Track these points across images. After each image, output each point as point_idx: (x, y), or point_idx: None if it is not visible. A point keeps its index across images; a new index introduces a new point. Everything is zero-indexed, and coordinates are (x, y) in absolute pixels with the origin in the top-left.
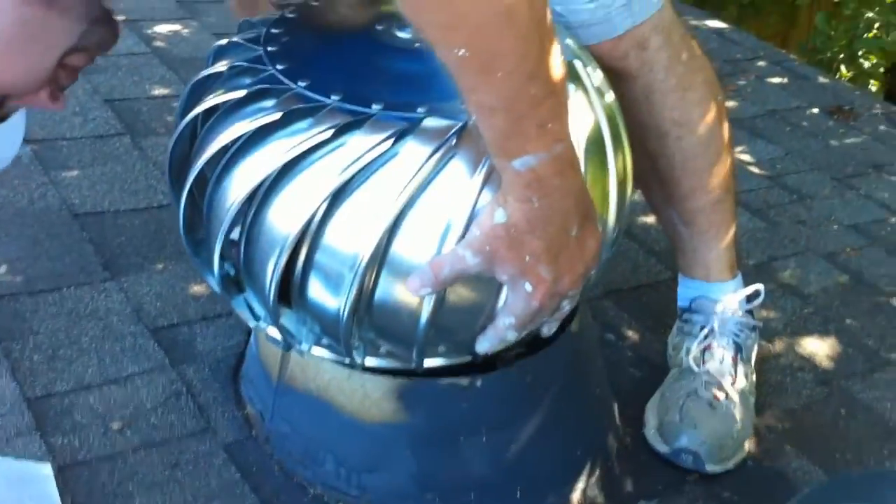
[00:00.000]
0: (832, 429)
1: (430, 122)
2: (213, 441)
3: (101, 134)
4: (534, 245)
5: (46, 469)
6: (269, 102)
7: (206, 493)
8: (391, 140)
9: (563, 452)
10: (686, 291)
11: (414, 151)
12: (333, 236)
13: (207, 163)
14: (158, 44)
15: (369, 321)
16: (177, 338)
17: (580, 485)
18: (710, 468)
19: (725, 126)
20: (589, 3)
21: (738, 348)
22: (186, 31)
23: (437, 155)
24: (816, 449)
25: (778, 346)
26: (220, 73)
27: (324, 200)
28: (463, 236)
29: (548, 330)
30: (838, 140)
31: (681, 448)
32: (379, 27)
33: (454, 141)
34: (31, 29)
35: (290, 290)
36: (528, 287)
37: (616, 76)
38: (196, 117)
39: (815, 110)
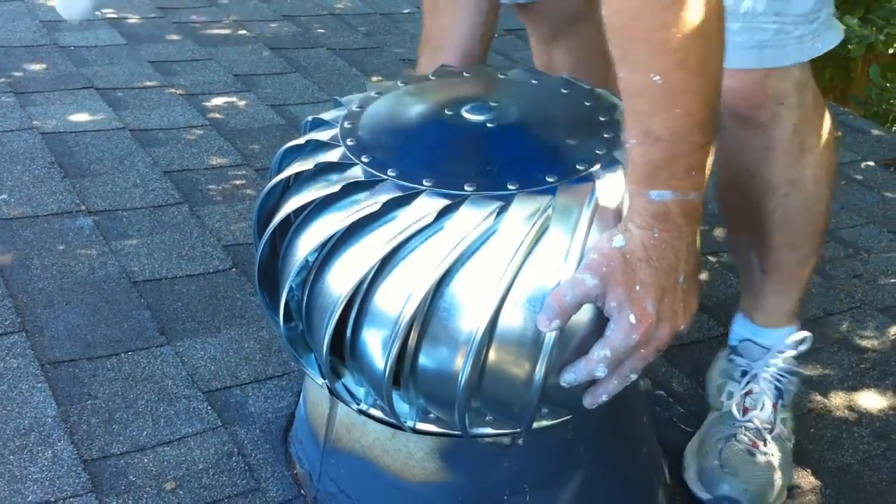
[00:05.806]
0: (890, 484)
1: (475, 200)
2: (263, 501)
3: (160, 204)
4: (645, 274)
5: None
6: (335, 176)
7: None
8: (434, 215)
9: None
10: (740, 331)
11: (458, 225)
12: (380, 299)
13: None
14: (216, 116)
15: (414, 385)
16: (229, 400)
17: None
18: None
19: (831, 186)
20: (771, 24)
21: (780, 394)
22: (243, 103)
23: (478, 229)
24: None
25: (834, 400)
26: (302, 145)
27: (374, 265)
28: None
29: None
30: (894, 192)
31: (723, 496)
32: (449, 112)
33: (493, 219)
34: None
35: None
36: (633, 319)
37: (741, 124)
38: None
39: (871, 163)
